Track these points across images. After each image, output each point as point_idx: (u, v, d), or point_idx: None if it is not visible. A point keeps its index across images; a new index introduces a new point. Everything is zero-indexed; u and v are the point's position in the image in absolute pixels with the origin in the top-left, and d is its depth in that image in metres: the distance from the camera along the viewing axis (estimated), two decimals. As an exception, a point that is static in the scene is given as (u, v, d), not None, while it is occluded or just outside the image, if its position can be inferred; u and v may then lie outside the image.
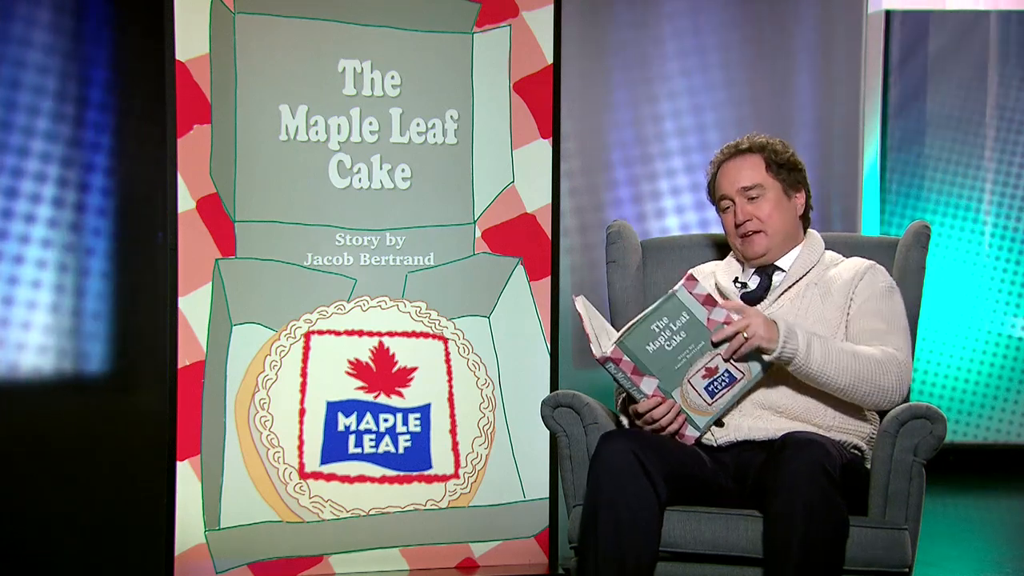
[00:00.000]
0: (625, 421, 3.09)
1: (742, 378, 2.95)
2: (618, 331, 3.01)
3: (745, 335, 2.91)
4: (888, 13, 5.98)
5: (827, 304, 3.08)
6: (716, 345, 2.93)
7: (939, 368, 6.03)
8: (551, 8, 3.92)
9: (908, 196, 6.01)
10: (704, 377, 2.95)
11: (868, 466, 3.00)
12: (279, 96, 3.78)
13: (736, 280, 3.18)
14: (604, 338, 2.99)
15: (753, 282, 3.16)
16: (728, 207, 3.15)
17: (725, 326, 2.92)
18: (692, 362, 2.94)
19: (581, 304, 2.98)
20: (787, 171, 3.15)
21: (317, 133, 3.81)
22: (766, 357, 2.93)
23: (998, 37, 6.00)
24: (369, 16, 3.82)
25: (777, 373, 2.98)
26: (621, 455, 2.80)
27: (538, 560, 3.93)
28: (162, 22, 3.69)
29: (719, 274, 3.20)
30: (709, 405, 2.96)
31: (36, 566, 4.07)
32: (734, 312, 2.93)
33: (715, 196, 3.20)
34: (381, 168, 3.85)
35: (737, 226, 3.13)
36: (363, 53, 3.83)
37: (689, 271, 3.30)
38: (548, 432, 3.62)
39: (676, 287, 2.95)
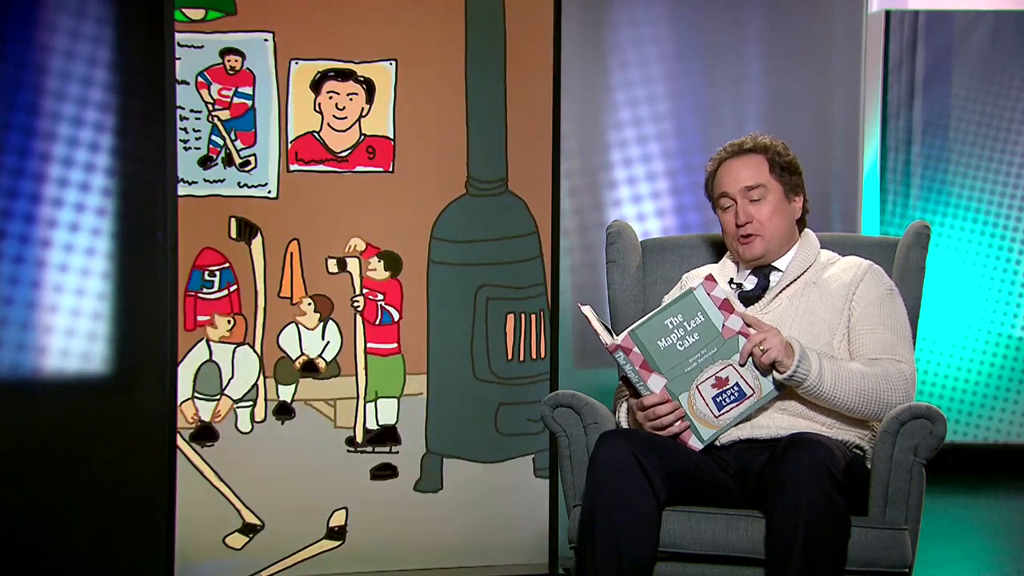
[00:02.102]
0: (624, 412, 3.07)
1: (752, 395, 2.93)
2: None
3: (762, 348, 2.90)
4: (888, 13, 5.97)
5: (825, 305, 3.07)
6: (743, 364, 2.92)
7: (939, 368, 6.02)
8: (551, 8, 3.92)
9: (908, 196, 6.00)
10: (714, 387, 2.93)
11: (869, 466, 3.00)
12: (279, 96, 3.78)
13: (731, 281, 3.17)
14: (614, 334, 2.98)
15: (750, 283, 3.15)
16: (729, 206, 3.13)
17: (741, 336, 2.91)
18: (703, 368, 2.92)
19: (588, 310, 2.97)
20: (788, 174, 3.14)
21: (317, 133, 3.82)
22: (778, 376, 2.92)
23: (998, 37, 5.99)
24: (369, 16, 3.82)
25: (778, 371, 2.98)
26: (620, 455, 2.79)
27: (538, 560, 3.92)
28: (163, 22, 3.69)
29: (714, 276, 3.18)
30: (716, 418, 2.94)
31: (36, 566, 4.07)
32: (752, 325, 2.93)
33: (714, 193, 3.17)
34: (381, 168, 3.85)
35: (738, 226, 3.12)
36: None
37: (683, 276, 3.29)
38: (548, 432, 3.62)
39: (695, 284, 2.94)
